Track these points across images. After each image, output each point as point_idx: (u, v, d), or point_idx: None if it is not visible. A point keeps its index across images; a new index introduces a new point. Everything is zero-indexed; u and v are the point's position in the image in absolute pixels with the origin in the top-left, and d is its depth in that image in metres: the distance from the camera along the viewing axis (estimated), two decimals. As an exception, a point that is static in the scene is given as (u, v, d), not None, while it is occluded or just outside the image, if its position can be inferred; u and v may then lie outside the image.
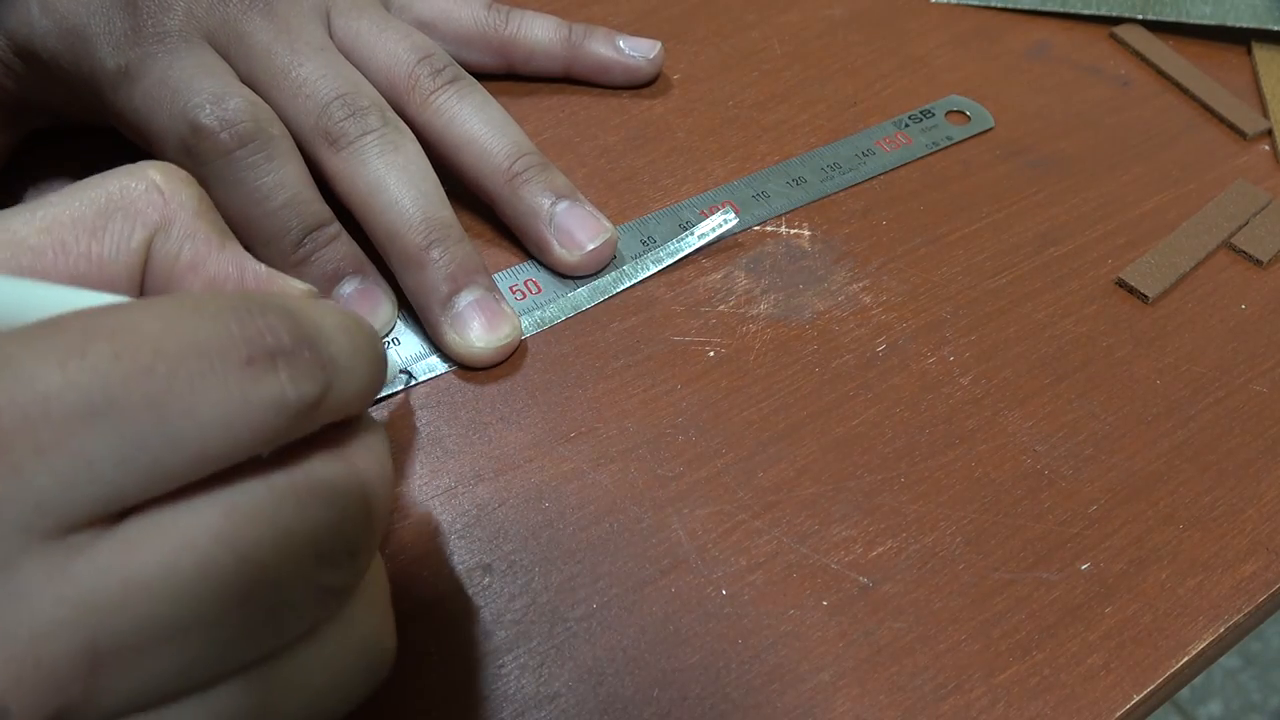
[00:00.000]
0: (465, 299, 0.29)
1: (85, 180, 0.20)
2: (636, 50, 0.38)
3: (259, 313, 0.17)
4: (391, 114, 0.30)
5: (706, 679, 0.24)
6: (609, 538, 0.26)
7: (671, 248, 0.32)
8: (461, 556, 0.26)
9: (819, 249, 0.34)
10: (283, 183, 0.28)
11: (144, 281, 0.21)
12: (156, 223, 0.20)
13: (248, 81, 0.29)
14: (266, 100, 0.29)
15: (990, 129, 0.38)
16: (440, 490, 0.27)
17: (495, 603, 0.25)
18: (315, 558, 0.17)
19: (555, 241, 0.31)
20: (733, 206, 0.32)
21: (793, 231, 0.34)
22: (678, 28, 0.41)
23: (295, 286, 0.23)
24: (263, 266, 0.22)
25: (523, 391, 0.29)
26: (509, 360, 0.30)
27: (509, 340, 0.29)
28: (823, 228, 0.34)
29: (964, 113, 0.39)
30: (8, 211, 0.20)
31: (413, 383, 0.29)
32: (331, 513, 0.17)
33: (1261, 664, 1.09)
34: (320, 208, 0.29)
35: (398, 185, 0.29)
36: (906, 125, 0.38)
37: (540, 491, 0.27)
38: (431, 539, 0.26)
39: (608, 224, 0.32)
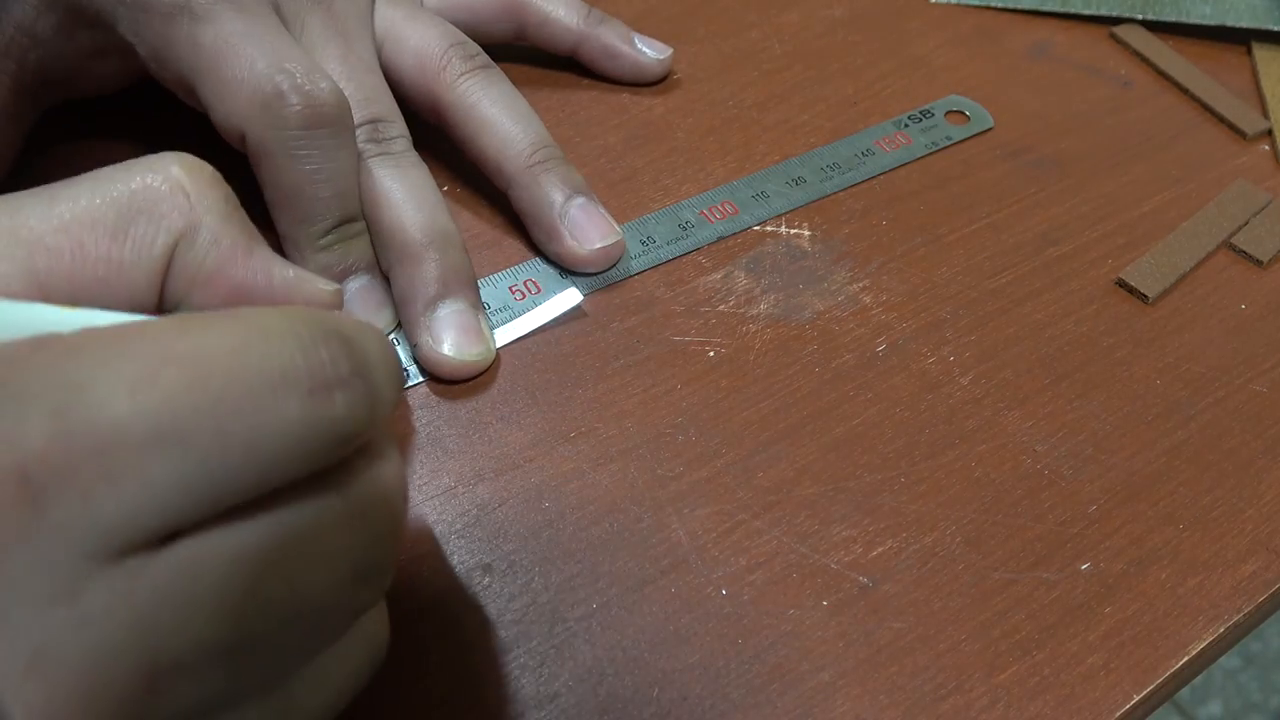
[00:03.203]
0: (448, 307, 0.29)
1: (103, 172, 0.20)
2: (650, 48, 0.38)
3: (321, 342, 0.17)
4: (409, 146, 0.31)
5: (706, 679, 0.24)
6: (609, 538, 0.26)
7: (509, 318, 0.31)
8: (461, 556, 0.26)
9: (819, 249, 0.34)
10: (340, 172, 0.29)
11: (165, 286, 0.20)
12: (181, 229, 0.20)
13: None
14: None
15: (990, 129, 0.38)
16: (440, 490, 0.27)
17: (495, 603, 0.25)
18: (353, 577, 0.18)
19: (567, 233, 0.31)
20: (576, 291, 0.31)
21: (793, 231, 0.34)
22: (678, 28, 0.41)
23: (323, 289, 0.22)
24: (291, 271, 0.22)
25: (523, 391, 0.29)
26: (509, 360, 0.30)
27: (478, 360, 0.29)
28: (823, 228, 0.34)
29: (964, 113, 0.39)
30: (21, 197, 0.19)
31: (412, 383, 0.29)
32: (367, 532, 0.18)
33: (1261, 664, 1.09)
34: (356, 205, 0.30)
35: (406, 196, 0.30)
36: (906, 125, 0.38)
37: (540, 491, 0.27)
38: (431, 539, 0.26)
39: (618, 228, 0.32)
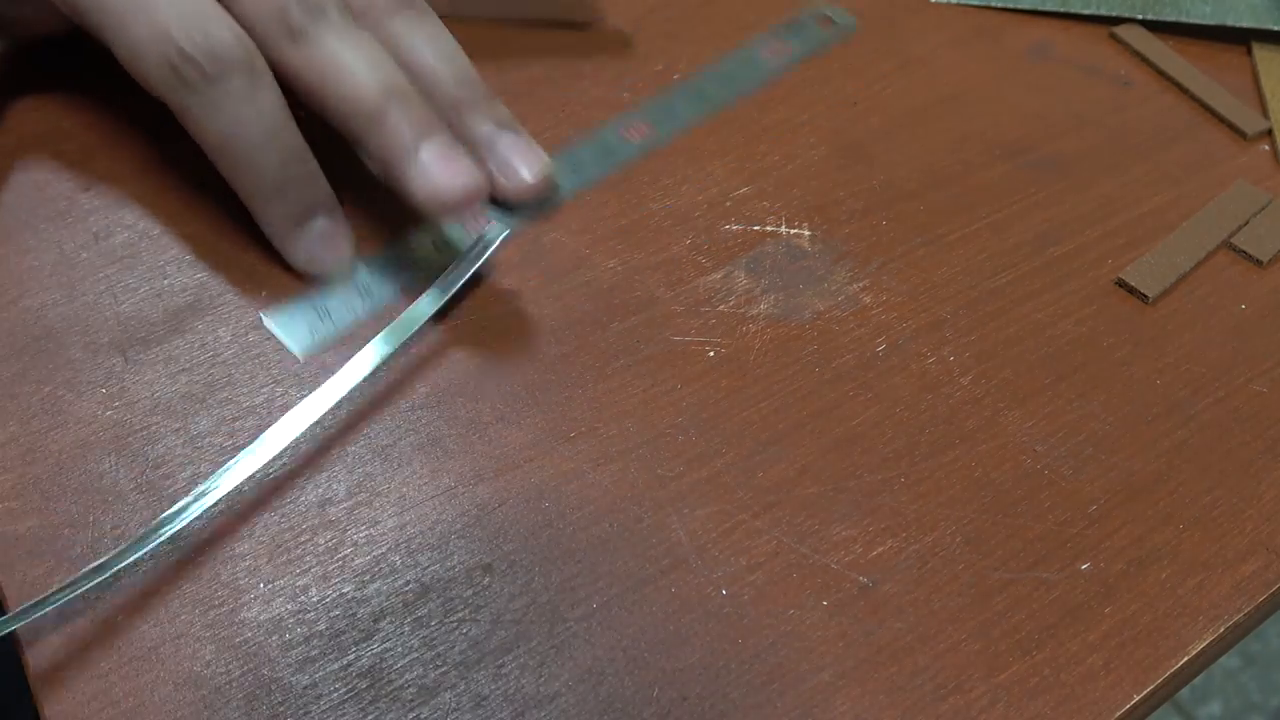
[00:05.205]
0: (429, 149, 0.28)
1: None
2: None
3: None
4: (349, 14, 0.30)
5: (706, 679, 0.24)
6: (609, 538, 0.26)
7: (454, 275, 0.30)
8: (461, 556, 0.26)
9: (819, 249, 0.34)
10: (264, 112, 0.28)
11: None
12: None
13: None
14: (228, 8, 0.29)
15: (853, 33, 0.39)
16: (440, 490, 0.27)
17: (495, 603, 0.25)
18: None
19: (494, 169, 0.30)
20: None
21: (793, 231, 0.34)
22: (678, 28, 0.41)
23: None
24: None
25: (523, 391, 0.29)
26: (508, 361, 0.30)
27: (472, 181, 0.29)
28: (823, 228, 0.34)
29: (829, 17, 0.39)
30: None
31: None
32: None
33: (1261, 664, 1.09)
34: (299, 142, 0.29)
35: (356, 59, 0.29)
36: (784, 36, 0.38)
37: (540, 491, 0.27)
38: (432, 539, 0.26)
39: (545, 156, 0.30)
